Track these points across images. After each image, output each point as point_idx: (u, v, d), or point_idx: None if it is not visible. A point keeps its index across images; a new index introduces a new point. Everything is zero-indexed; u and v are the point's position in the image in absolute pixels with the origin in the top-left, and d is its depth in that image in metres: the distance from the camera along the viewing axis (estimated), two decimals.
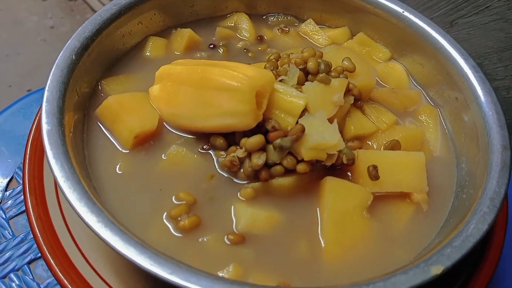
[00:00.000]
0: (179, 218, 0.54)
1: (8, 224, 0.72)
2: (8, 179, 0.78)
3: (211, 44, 0.78)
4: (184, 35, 0.76)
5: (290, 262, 0.54)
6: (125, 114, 0.61)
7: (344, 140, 0.65)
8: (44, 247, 0.57)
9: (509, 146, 0.59)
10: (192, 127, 0.62)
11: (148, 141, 0.62)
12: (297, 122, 0.59)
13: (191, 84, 0.60)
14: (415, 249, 0.57)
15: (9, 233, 0.71)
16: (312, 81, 0.63)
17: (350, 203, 0.58)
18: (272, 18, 0.86)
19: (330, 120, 0.60)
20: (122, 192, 0.57)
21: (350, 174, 0.62)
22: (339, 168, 0.62)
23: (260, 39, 0.82)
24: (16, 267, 0.68)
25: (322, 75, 0.63)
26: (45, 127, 0.54)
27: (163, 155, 0.61)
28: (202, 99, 0.59)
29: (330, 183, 0.58)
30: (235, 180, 0.60)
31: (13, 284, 0.66)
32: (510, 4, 1.19)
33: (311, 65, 0.64)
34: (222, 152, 0.61)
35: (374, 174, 0.59)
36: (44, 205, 0.60)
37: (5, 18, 2.34)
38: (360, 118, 0.67)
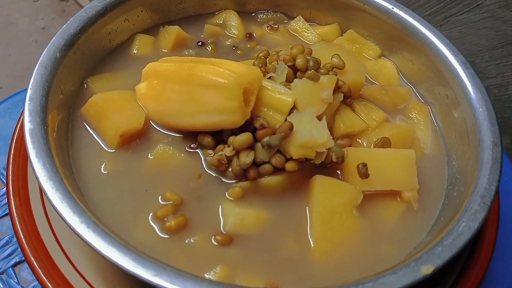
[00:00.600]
0: (166, 218, 0.53)
1: None
2: None
3: (199, 42, 0.77)
4: (172, 32, 0.75)
5: (278, 262, 0.53)
6: (110, 112, 0.60)
7: (333, 138, 0.64)
8: (28, 249, 0.55)
9: (499, 143, 0.59)
10: (179, 125, 0.61)
11: (135, 140, 0.61)
12: (286, 120, 0.58)
13: (178, 81, 0.59)
14: (405, 248, 0.56)
15: None
16: (301, 78, 0.62)
17: (339, 201, 0.57)
18: (261, 15, 0.85)
19: (319, 118, 0.59)
20: (107, 192, 0.56)
21: (339, 172, 0.61)
22: (329, 166, 0.61)
23: (249, 36, 0.81)
24: (0, 270, 0.67)
25: (311, 72, 0.62)
26: (27, 125, 0.53)
27: (149, 154, 0.59)
28: (189, 96, 0.58)
29: (319, 182, 0.58)
30: (223, 179, 0.59)
31: None
32: (501, 2, 1.19)
33: (299, 62, 0.63)
34: (210, 151, 0.60)
35: (363, 172, 0.58)
36: (28, 206, 0.59)
37: None
38: (349, 116, 0.66)
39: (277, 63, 0.65)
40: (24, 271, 0.67)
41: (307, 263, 0.53)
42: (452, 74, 0.67)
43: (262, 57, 0.69)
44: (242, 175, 0.58)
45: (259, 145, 0.57)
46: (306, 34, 0.82)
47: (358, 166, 0.59)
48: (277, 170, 0.57)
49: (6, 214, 0.72)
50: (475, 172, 0.57)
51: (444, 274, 0.58)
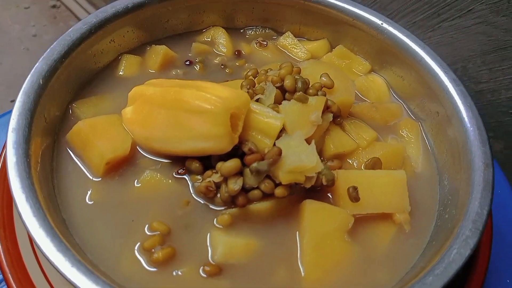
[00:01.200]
0: (153, 250, 0.52)
1: None
2: None
3: (187, 61, 0.76)
4: (159, 52, 0.74)
5: None
6: (96, 139, 0.59)
7: (323, 160, 0.64)
8: (12, 281, 0.54)
9: (491, 164, 0.58)
10: (166, 151, 0.60)
11: (121, 167, 0.60)
12: (274, 144, 0.57)
13: (164, 106, 0.58)
14: (397, 272, 0.56)
15: None
16: (290, 100, 0.61)
17: (330, 226, 0.56)
18: (250, 32, 0.84)
19: (309, 140, 0.58)
20: (93, 224, 0.54)
21: (330, 196, 0.60)
22: (319, 189, 0.60)
23: (238, 54, 0.80)
24: None
25: (299, 93, 0.61)
26: (10, 158, 0.52)
27: (136, 181, 0.58)
28: (175, 121, 0.57)
29: (310, 207, 0.57)
30: (211, 206, 0.58)
31: None
32: (492, 8, 1.19)
33: (288, 83, 0.63)
34: (198, 177, 0.59)
35: (354, 195, 0.58)
36: (13, 238, 0.58)
37: None
38: (340, 136, 0.65)
39: (266, 84, 0.64)
40: None
41: None
42: (442, 91, 0.67)
43: (251, 77, 0.68)
44: (231, 201, 0.57)
45: (247, 170, 0.56)
46: (295, 50, 0.81)
47: (348, 189, 0.58)
48: (267, 195, 0.56)
49: None
50: (467, 194, 0.56)
51: None
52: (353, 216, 0.58)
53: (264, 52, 0.80)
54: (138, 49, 0.77)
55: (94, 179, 0.58)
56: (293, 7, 0.81)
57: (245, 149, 0.57)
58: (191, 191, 0.59)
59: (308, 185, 0.57)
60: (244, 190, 0.56)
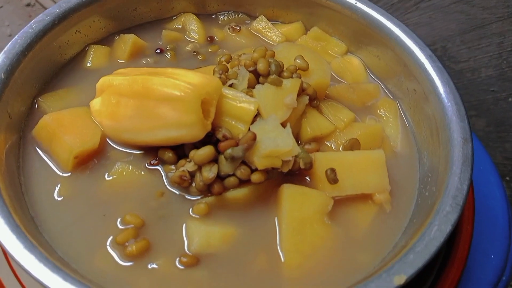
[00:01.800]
0: (126, 243, 0.51)
1: None
2: None
3: (157, 49, 0.74)
4: (128, 41, 0.72)
5: (248, 280, 0.51)
6: (63, 133, 0.56)
7: (301, 143, 0.62)
8: None
9: (470, 139, 0.57)
10: (137, 142, 0.58)
11: (91, 160, 0.58)
12: (249, 129, 0.55)
13: (132, 95, 0.56)
14: (379, 253, 0.55)
15: None
16: (264, 84, 0.59)
17: (309, 210, 0.55)
18: (222, 17, 0.82)
19: (284, 124, 0.56)
20: (63, 220, 0.52)
21: (308, 179, 0.59)
22: (297, 173, 0.58)
23: (211, 40, 0.78)
24: None
25: (273, 76, 0.60)
26: None
27: (106, 174, 0.56)
28: (145, 111, 0.55)
29: (287, 191, 0.55)
30: (186, 196, 0.56)
31: None
32: None
33: (261, 66, 0.61)
34: (172, 167, 0.57)
35: (332, 177, 0.56)
36: None
37: None
38: (317, 118, 0.64)
39: (239, 69, 0.62)
40: None
41: (278, 279, 0.51)
42: (419, 68, 0.66)
43: (224, 63, 0.66)
44: (207, 190, 0.55)
45: (222, 157, 0.54)
46: (269, 34, 0.79)
47: (326, 171, 0.57)
48: (243, 182, 0.55)
49: None
50: (446, 170, 0.55)
51: (420, 276, 0.57)
52: (333, 199, 0.56)
53: (237, 37, 0.78)
54: (106, 39, 0.74)
55: (63, 174, 0.56)
56: None
57: (219, 135, 0.55)
58: (165, 182, 0.57)
59: (285, 170, 0.55)
60: (220, 177, 0.55)
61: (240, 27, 0.80)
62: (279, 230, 0.55)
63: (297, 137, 0.62)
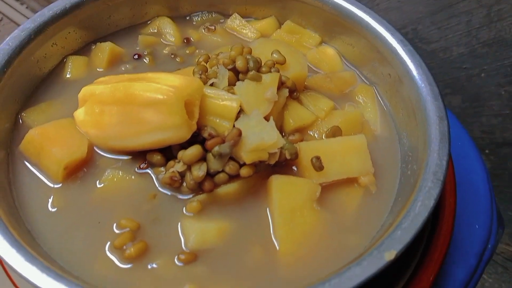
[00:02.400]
0: (124, 247, 0.52)
1: None
2: None
3: (135, 55, 0.75)
4: (105, 49, 0.72)
5: (247, 271, 0.52)
6: (50, 145, 0.57)
7: (285, 135, 0.64)
8: None
9: (445, 116, 0.59)
10: (124, 148, 0.59)
11: (81, 170, 0.59)
12: (234, 126, 0.57)
13: (115, 103, 0.57)
14: (369, 234, 0.57)
15: None
16: (243, 80, 0.61)
17: (298, 198, 0.57)
18: (196, 18, 0.83)
19: (267, 118, 0.58)
20: (59, 231, 0.53)
21: (295, 168, 0.61)
22: (284, 164, 0.60)
23: (187, 41, 0.79)
24: None
25: (252, 72, 0.61)
26: None
27: (97, 182, 0.57)
28: (129, 117, 0.56)
29: (276, 182, 0.57)
30: (179, 196, 0.57)
31: None
32: None
33: (239, 63, 0.62)
34: (162, 169, 0.59)
35: (318, 165, 0.58)
36: None
37: None
38: (298, 110, 0.66)
39: (218, 68, 0.64)
40: None
41: (275, 267, 0.53)
42: (391, 53, 0.68)
43: (203, 63, 0.68)
44: (198, 188, 0.57)
45: (210, 155, 0.55)
46: (244, 31, 0.81)
47: (312, 160, 0.59)
48: (232, 177, 0.56)
49: None
50: (425, 148, 0.57)
51: (409, 251, 0.59)
52: (320, 185, 0.58)
53: (213, 37, 0.80)
54: (83, 49, 0.74)
55: (54, 186, 0.57)
56: None
57: (205, 134, 0.57)
58: (156, 184, 0.58)
59: (272, 162, 0.57)
60: (210, 175, 0.56)
61: (215, 26, 0.81)
62: (271, 220, 0.56)
63: (280, 129, 0.64)
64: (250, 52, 0.67)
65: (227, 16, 0.83)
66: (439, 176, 0.54)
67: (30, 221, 0.54)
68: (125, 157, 0.60)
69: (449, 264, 0.66)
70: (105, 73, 0.70)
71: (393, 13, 1.41)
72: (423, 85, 0.63)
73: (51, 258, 0.50)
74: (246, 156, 0.55)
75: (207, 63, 0.68)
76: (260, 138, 0.55)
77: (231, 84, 0.62)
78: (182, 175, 0.56)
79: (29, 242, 0.48)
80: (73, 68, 0.71)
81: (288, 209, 0.56)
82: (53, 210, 0.55)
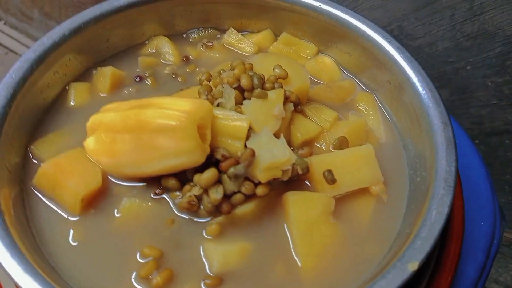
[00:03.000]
0: (151, 276, 0.52)
1: None
2: None
3: (136, 77, 0.75)
4: (106, 73, 0.72)
5: None
6: (64, 178, 0.57)
7: (294, 149, 0.65)
8: None
9: (449, 122, 0.61)
10: (138, 175, 0.59)
11: (97, 200, 0.59)
12: (245, 145, 0.58)
13: (126, 130, 0.57)
14: (385, 242, 0.58)
15: None
16: (249, 98, 0.62)
17: (315, 212, 0.58)
18: (193, 35, 0.83)
19: (277, 134, 0.59)
20: (83, 265, 0.53)
21: (308, 183, 0.62)
22: (296, 179, 0.61)
23: (186, 59, 0.79)
24: None
25: (258, 90, 0.62)
26: None
27: (115, 211, 0.58)
28: (141, 144, 0.56)
29: (291, 198, 0.58)
30: (196, 219, 0.58)
31: None
32: None
33: (244, 82, 0.63)
34: (177, 193, 0.59)
35: (330, 178, 0.60)
36: None
37: None
38: (304, 123, 0.67)
39: (222, 87, 0.64)
40: None
41: (300, 284, 0.54)
42: (389, 60, 0.69)
43: (206, 82, 0.68)
44: (216, 210, 0.57)
45: (225, 177, 0.56)
46: (242, 45, 0.81)
47: (324, 173, 0.60)
48: (248, 197, 0.57)
49: None
50: (432, 155, 0.59)
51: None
52: (334, 198, 0.60)
53: (211, 53, 0.80)
54: (84, 75, 0.74)
55: (72, 219, 0.57)
56: (230, 3, 0.81)
57: (218, 156, 0.57)
58: (173, 209, 0.59)
59: (285, 178, 0.58)
60: (226, 196, 0.57)
61: (212, 42, 0.81)
62: (290, 236, 0.57)
63: (288, 144, 0.64)
64: (251, 68, 0.68)
65: (223, 31, 0.84)
66: (449, 182, 0.55)
67: (53, 257, 0.54)
68: (139, 184, 0.60)
69: (459, 263, 0.68)
70: (109, 98, 0.71)
71: (377, 12, 1.42)
72: (424, 91, 0.65)
73: None
74: (261, 175, 0.56)
75: (210, 82, 0.68)
76: (273, 156, 0.56)
77: (237, 102, 0.62)
78: (199, 198, 0.57)
79: (57, 280, 0.48)
80: (76, 95, 0.71)
81: (305, 224, 0.57)
82: (75, 244, 0.55)
